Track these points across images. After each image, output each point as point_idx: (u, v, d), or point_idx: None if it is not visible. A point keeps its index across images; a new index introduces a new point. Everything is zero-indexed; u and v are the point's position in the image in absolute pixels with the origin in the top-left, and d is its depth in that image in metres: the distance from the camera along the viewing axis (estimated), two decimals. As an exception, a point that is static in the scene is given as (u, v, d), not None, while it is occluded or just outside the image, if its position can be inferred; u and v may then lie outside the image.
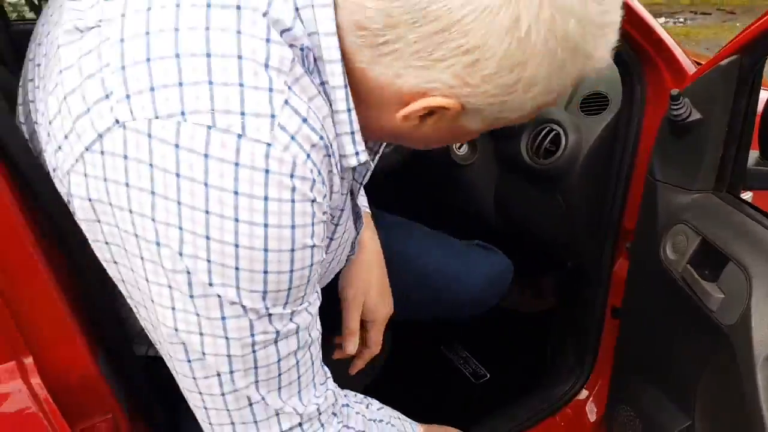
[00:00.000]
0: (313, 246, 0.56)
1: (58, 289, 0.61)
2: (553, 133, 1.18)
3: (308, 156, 0.52)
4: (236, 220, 0.50)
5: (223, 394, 0.60)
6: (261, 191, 0.50)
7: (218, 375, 0.58)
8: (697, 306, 0.86)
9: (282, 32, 0.52)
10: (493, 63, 0.51)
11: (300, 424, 0.65)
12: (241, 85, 0.49)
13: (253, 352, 0.58)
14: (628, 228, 1.16)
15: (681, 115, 0.89)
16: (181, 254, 0.51)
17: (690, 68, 1.05)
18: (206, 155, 0.48)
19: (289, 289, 0.56)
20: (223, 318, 0.55)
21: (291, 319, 0.59)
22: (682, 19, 7.81)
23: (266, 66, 0.50)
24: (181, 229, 0.50)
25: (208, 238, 0.50)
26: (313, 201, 0.54)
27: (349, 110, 0.58)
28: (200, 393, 0.61)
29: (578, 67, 0.54)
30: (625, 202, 1.15)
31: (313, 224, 0.55)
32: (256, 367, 0.59)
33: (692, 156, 0.93)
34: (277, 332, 0.58)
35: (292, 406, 0.64)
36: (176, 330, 0.56)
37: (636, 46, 1.02)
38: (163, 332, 0.57)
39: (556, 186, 1.20)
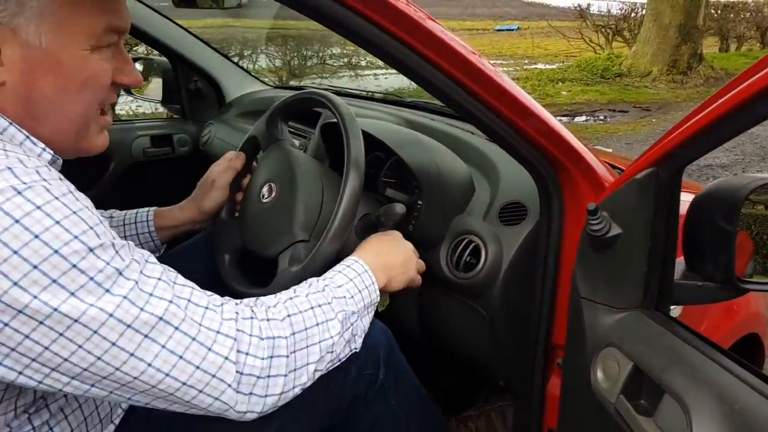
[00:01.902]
0: None
1: None
2: (473, 245, 1.11)
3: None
4: None
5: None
6: None
7: None
8: (635, 444, 0.76)
9: None
10: None
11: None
12: None
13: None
14: (557, 343, 1.08)
15: (600, 230, 0.82)
16: None
17: (605, 175, 1.01)
18: None
19: None
20: None
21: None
22: (602, 117, 8.24)
23: None
24: None
25: None
26: None
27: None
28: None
29: None
30: (553, 316, 1.06)
31: None
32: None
33: (616, 272, 0.86)
34: None
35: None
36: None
37: (549, 156, 0.98)
38: None
39: (478, 300, 1.11)
